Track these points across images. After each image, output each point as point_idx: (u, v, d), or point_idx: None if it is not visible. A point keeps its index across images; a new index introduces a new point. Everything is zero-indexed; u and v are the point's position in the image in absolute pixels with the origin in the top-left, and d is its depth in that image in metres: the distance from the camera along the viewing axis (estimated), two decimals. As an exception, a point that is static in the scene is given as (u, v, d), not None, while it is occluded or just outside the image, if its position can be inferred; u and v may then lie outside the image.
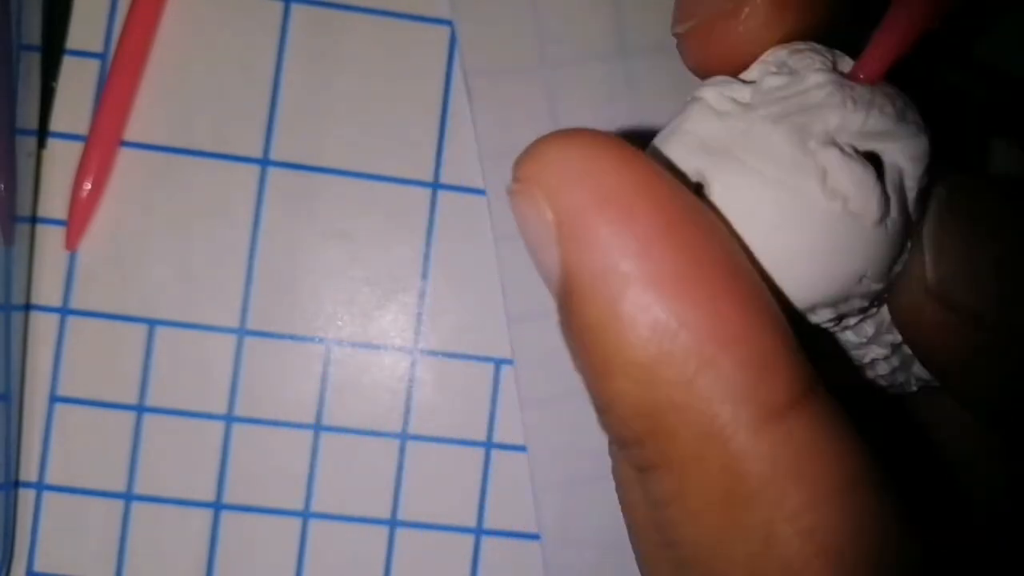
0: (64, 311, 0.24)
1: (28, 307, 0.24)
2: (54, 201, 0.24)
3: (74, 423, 0.24)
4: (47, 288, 0.24)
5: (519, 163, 0.12)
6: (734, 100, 0.13)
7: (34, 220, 0.24)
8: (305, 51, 0.24)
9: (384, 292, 0.24)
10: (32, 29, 0.23)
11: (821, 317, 0.13)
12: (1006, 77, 0.23)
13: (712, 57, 0.14)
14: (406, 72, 0.25)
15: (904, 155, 0.13)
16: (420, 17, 0.25)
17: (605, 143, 0.12)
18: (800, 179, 0.12)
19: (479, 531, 0.24)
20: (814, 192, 0.12)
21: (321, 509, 0.24)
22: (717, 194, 0.13)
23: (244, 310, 0.24)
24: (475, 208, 0.24)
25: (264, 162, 0.24)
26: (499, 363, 0.24)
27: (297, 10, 0.24)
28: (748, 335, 0.11)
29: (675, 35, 0.15)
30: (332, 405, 0.24)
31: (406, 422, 0.24)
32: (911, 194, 0.13)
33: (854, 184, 0.12)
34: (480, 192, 0.24)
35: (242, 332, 0.24)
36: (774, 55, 0.14)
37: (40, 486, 0.24)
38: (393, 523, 0.24)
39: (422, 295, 0.24)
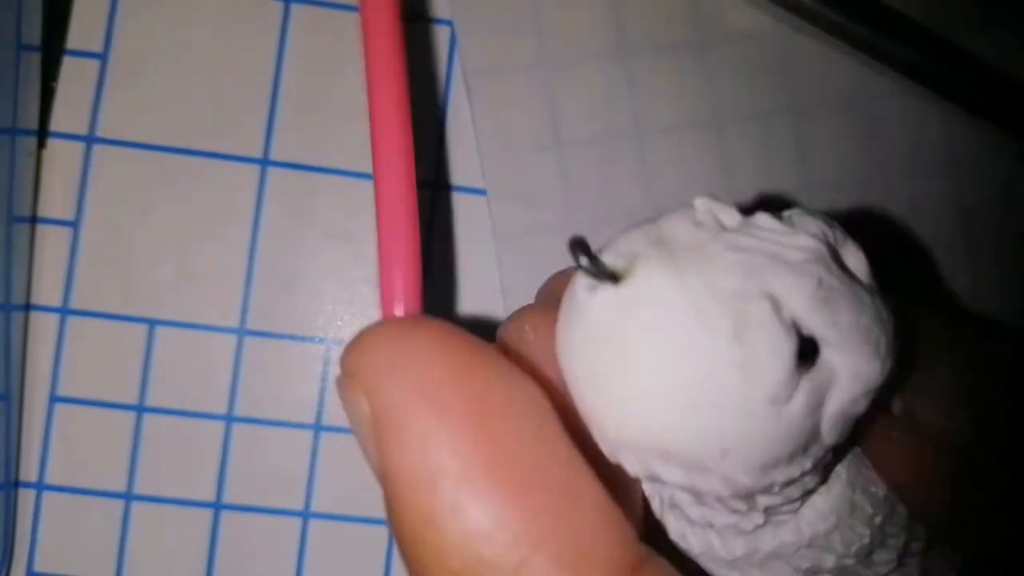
0: (64, 311, 0.24)
1: (28, 307, 0.24)
2: (54, 201, 0.24)
3: (74, 423, 0.24)
4: (47, 288, 0.24)
5: (344, 353, 0.12)
6: (718, 219, 0.12)
7: (34, 220, 0.24)
8: (305, 51, 0.24)
9: (384, 292, 0.24)
10: (32, 29, 0.23)
11: (665, 475, 0.12)
12: (1007, 79, 0.23)
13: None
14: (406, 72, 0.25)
15: (847, 368, 0.11)
16: (420, 17, 0.25)
17: (423, 331, 0.12)
18: (717, 311, 0.11)
19: (479, 531, 0.24)
20: (721, 330, 0.11)
21: (321, 509, 0.24)
22: (632, 282, 0.11)
23: (244, 310, 0.24)
24: (475, 208, 0.24)
25: (264, 162, 0.24)
26: (499, 363, 0.24)
27: (297, 10, 0.24)
28: (562, 528, 0.11)
29: None
30: (332, 405, 0.24)
31: (406, 422, 0.24)
32: (832, 409, 0.12)
33: (765, 346, 0.11)
34: (480, 192, 0.24)
35: (242, 332, 0.24)
36: (789, 212, 0.13)
37: (40, 486, 0.24)
38: (393, 523, 0.24)
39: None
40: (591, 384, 0.12)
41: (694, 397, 0.11)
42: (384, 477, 0.11)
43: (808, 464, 0.12)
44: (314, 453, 0.24)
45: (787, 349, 0.11)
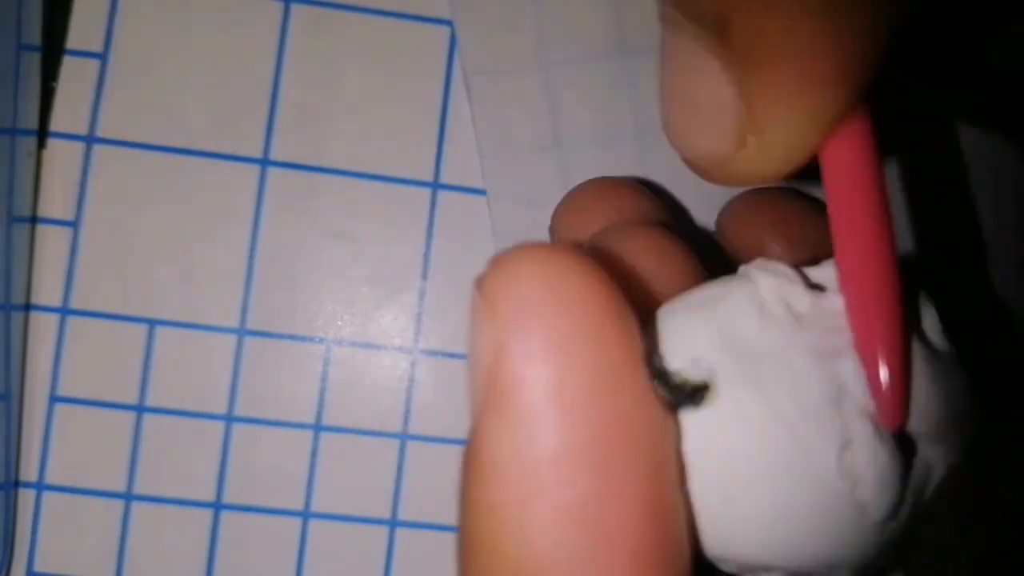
0: (64, 311, 0.24)
1: (28, 307, 0.24)
2: (54, 201, 0.24)
3: (74, 423, 0.24)
4: (47, 288, 0.24)
5: (493, 268, 0.11)
6: (788, 305, 0.11)
7: (34, 220, 0.24)
8: (305, 51, 0.24)
9: (384, 292, 0.24)
10: (32, 29, 0.23)
11: None
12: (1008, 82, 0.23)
13: (742, 180, 0.12)
14: (406, 72, 0.25)
15: (943, 458, 0.11)
16: (420, 17, 0.25)
17: (604, 301, 0.10)
18: (817, 438, 0.10)
19: (479, 531, 0.24)
20: (826, 459, 0.10)
21: (321, 509, 0.24)
22: (718, 405, 0.11)
23: (244, 310, 0.24)
24: (475, 208, 0.24)
25: (264, 162, 0.24)
26: (499, 363, 0.24)
27: (297, 10, 0.24)
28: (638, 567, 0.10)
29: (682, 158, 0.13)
30: (332, 405, 0.24)
31: (406, 422, 0.24)
32: (926, 497, 0.11)
33: (874, 473, 0.10)
34: (480, 192, 0.24)
35: (242, 332, 0.24)
36: None
37: (40, 486, 0.24)
38: (393, 523, 0.24)
39: (422, 295, 0.24)
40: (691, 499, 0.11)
41: (798, 525, 0.10)
42: (476, 430, 0.11)
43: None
44: (314, 453, 0.24)
45: (896, 472, 0.10)
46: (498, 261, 0.11)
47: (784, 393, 0.10)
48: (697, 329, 0.11)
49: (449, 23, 0.25)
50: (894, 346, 0.10)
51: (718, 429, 0.11)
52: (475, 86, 0.24)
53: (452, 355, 0.24)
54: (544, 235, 0.24)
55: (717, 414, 0.11)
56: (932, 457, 0.11)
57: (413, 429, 0.24)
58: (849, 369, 0.11)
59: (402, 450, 0.24)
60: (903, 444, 0.11)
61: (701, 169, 0.12)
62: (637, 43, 0.24)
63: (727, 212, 0.21)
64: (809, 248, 0.18)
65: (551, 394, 0.10)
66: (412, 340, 0.24)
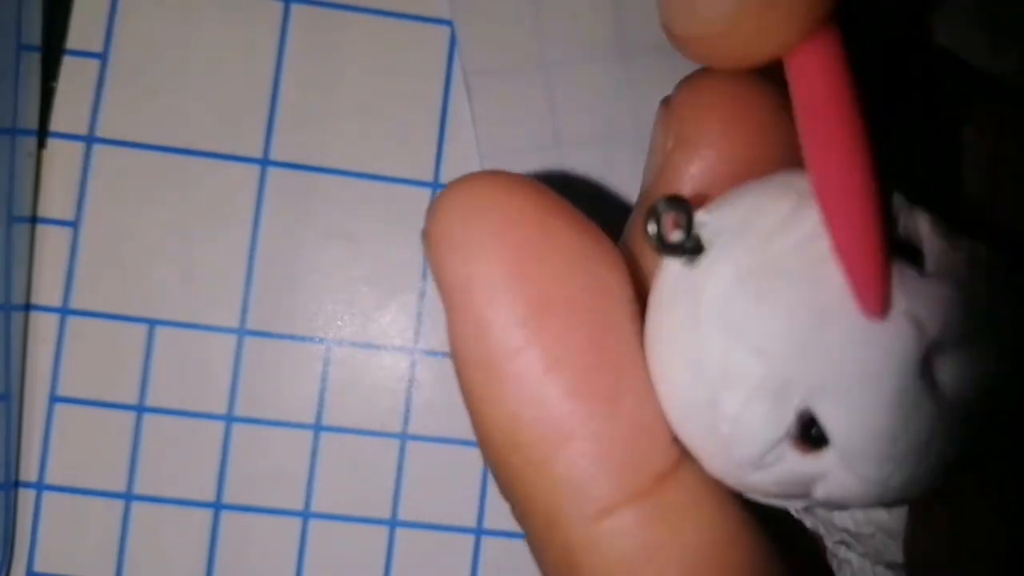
0: (64, 311, 0.24)
1: (28, 307, 0.24)
2: (54, 201, 0.24)
3: (74, 423, 0.24)
4: (47, 288, 0.24)
5: (427, 212, 0.12)
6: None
7: (34, 220, 0.24)
8: (305, 51, 0.24)
9: (384, 292, 0.24)
10: (32, 29, 0.23)
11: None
12: (1005, 84, 0.23)
13: (724, 61, 0.12)
14: (406, 72, 0.25)
15: (838, 479, 0.11)
16: (420, 17, 0.25)
17: (502, 198, 0.12)
18: (743, 351, 0.10)
19: (479, 531, 0.24)
20: (721, 374, 0.10)
21: (321, 509, 0.24)
22: (698, 263, 0.11)
23: (244, 310, 0.24)
24: (475, 208, 0.24)
25: (264, 162, 0.24)
26: (499, 363, 0.24)
27: (297, 10, 0.24)
28: (602, 420, 0.11)
29: (670, 35, 0.12)
30: (332, 405, 0.24)
31: (406, 422, 0.24)
32: (817, 495, 0.11)
33: (745, 414, 0.10)
34: (480, 192, 0.24)
35: (242, 332, 0.24)
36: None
37: (40, 486, 0.24)
38: (393, 523, 0.24)
39: (422, 295, 0.24)
40: (646, 336, 0.12)
41: (685, 416, 0.11)
42: (451, 344, 0.12)
43: (799, 505, 0.12)
44: (314, 453, 0.24)
45: (766, 434, 0.10)
46: (430, 206, 0.12)
47: (753, 290, 0.10)
48: (737, 207, 0.11)
49: (449, 23, 0.25)
50: (871, 242, 0.10)
51: (685, 285, 0.11)
52: (475, 86, 0.24)
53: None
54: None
55: (692, 271, 0.11)
56: (835, 474, 0.11)
57: (413, 429, 0.24)
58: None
59: (402, 450, 0.24)
60: (813, 436, 0.10)
61: (694, 39, 0.11)
62: (637, 43, 0.24)
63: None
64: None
65: (486, 282, 0.11)
66: (412, 340, 0.24)
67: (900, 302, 0.10)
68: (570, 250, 0.12)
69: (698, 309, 0.11)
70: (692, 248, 0.11)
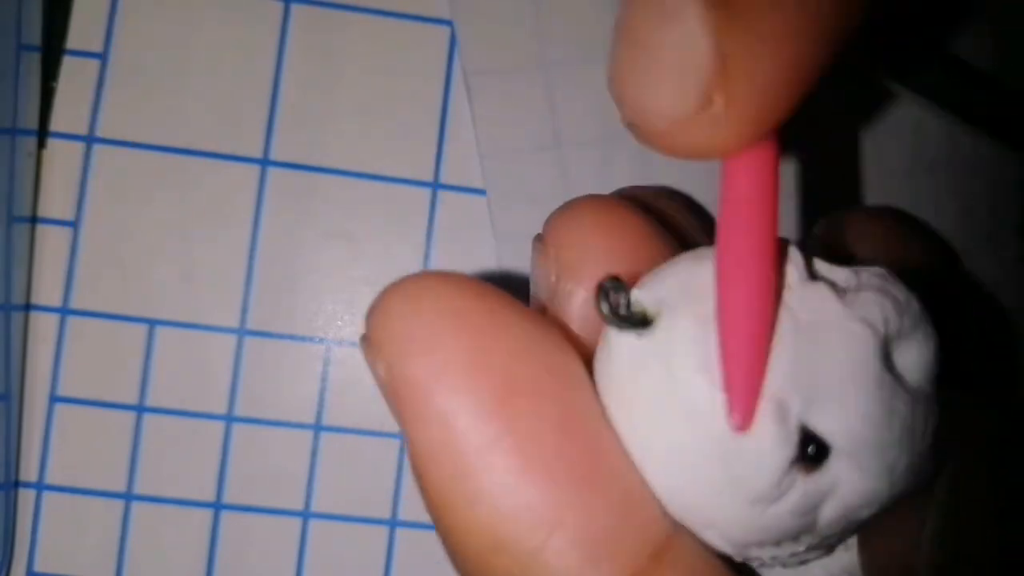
0: (64, 311, 0.24)
1: (28, 307, 0.24)
2: (54, 201, 0.24)
3: (74, 423, 0.24)
4: (47, 288, 0.24)
5: (366, 315, 0.12)
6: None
7: (34, 220, 0.24)
8: (305, 51, 0.24)
9: (384, 292, 0.24)
10: (32, 29, 0.23)
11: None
12: (1003, 87, 0.23)
13: (675, 154, 0.12)
14: (406, 72, 0.25)
15: (850, 483, 0.11)
16: (420, 17, 0.25)
17: (443, 293, 0.11)
18: (720, 399, 0.10)
19: (479, 531, 0.24)
20: (719, 421, 0.10)
21: (321, 509, 0.24)
22: (652, 333, 0.11)
23: (244, 310, 0.24)
24: (475, 208, 0.24)
25: (264, 162, 0.24)
26: (499, 363, 0.24)
27: (297, 10, 0.24)
28: (583, 511, 0.11)
29: (621, 113, 0.12)
30: (332, 405, 0.24)
31: (406, 422, 0.24)
32: (829, 515, 0.11)
33: (757, 448, 0.10)
34: (480, 192, 0.24)
35: (242, 332, 0.24)
36: (868, 273, 0.12)
37: (40, 486, 0.24)
38: (393, 523, 0.24)
39: (422, 295, 0.24)
40: (613, 415, 0.11)
41: (683, 473, 0.11)
42: (407, 447, 0.11)
43: (800, 548, 0.12)
44: (314, 453, 0.24)
45: (779, 458, 0.10)
46: (369, 308, 0.12)
47: (707, 346, 0.11)
48: (672, 277, 0.12)
49: (449, 23, 0.25)
50: (746, 359, 0.10)
51: (645, 356, 0.11)
52: (475, 86, 0.24)
53: (452, 355, 0.24)
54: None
55: (647, 342, 0.11)
56: (842, 474, 0.11)
57: (413, 429, 0.24)
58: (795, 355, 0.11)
59: (402, 450, 0.24)
60: (807, 444, 0.11)
61: (649, 132, 0.11)
62: (637, 43, 0.24)
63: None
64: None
65: (440, 376, 0.11)
66: (412, 340, 0.24)
67: (852, 309, 0.11)
68: (523, 335, 0.11)
69: (674, 365, 0.11)
70: (642, 320, 0.11)
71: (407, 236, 0.24)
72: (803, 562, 0.12)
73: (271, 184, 0.24)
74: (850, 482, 0.11)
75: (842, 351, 0.11)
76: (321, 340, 0.24)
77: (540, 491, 0.10)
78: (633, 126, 0.11)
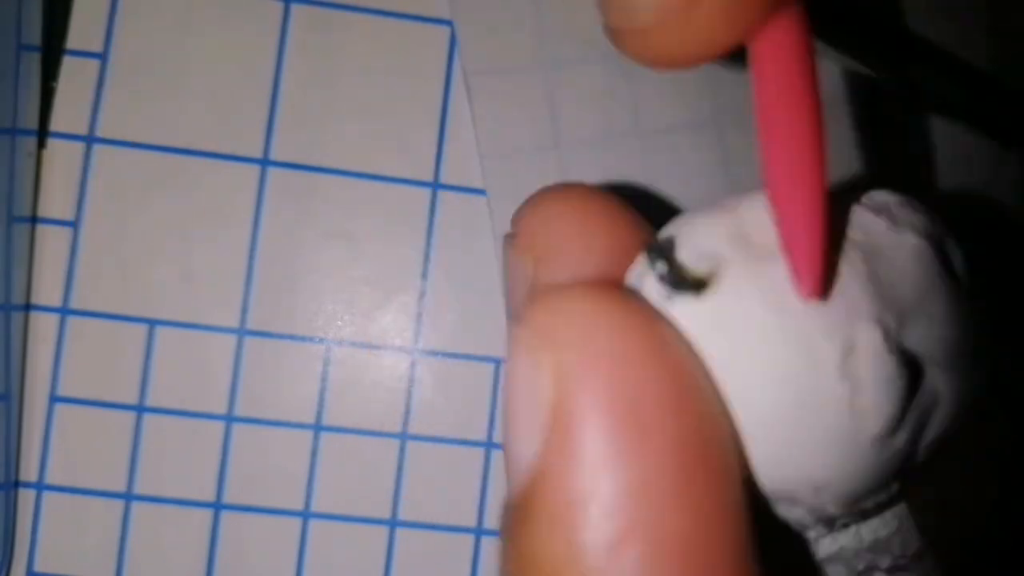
0: (64, 311, 0.24)
1: (28, 307, 0.24)
2: (54, 201, 0.24)
3: (74, 423, 0.24)
4: (47, 288, 0.24)
5: (533, 304, 0.10)
6: None
7: (34, 220, 0.24)
8: (305, 51, 0.24)
9: (384, 292, 0.24)
10: (32, 29, 0.23)
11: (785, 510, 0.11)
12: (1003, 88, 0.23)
13: (659, 58, 0.11)
14: (406, 72, 0.25)
15: (951, 390, 0.10)
16: (420, 17, 0.25)
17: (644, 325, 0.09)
18: (820, 336, 0.10)
19: (479, 531, 0.24)
20: (827, 361, 0.10)
21: (321, 509, 0.24)
22: (720, 298, 0.10)
23: (244, 310, 0.24)
24: (475, 208, 0.24)
25: (264, 162, 0.24)
26: (499, 363, 0.24)
27: (297, 10, 0.24)
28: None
29: (607, 31, 0.11)
30: (332, 405, 0.24)
31: (406, 422, 0.24)
32: (933, 434, 0.11)
33: (876, 380, 0.10)
34: (480, 192, 0.24)
35: (242, 332, 0.24)
36: (889, 199, 0.11)
37: (40, 486, 0.24)
38: (393, 523, 0.24)
39: (422, 295, 0.24)
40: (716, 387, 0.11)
41: (790, 434, 0.10)
42: (524, 471, 0.09)
43: (898, 486, 0.11)
44: (314, 453, 0.24)
45: (899, 385, 0.10)
46: (548, 298, 0.10)
47: (788, 290, 0.10)
48: (714, 227, 0.11)
49: (449, 23, 0.25)
50: (810, 212, 0.10)
51: (717, 320, 0.10)
52: (475, 86, 0.24)
53: (452, 355, 0.24)
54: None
55: (716, 304, 0.10)
56: (940, 386, 0.10)
57: (413, 429, 0.24)
58: (870, 280, 0.10)
59: (402, 450, 0.24)
60: (911, 365, 0.10)
61: (635, 32, 0.10)
62: (637, 43, 0.24)
63: None
64: None
65: (624, 430, 0.09)
66: (412, 340, 0.24)
67: (901, 224, 0.11)
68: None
69: (773, 316, 0.10)
70: (700, 282, 0.10)
71: (407, 236, 0.24)
72: (864, 517, 0.12)
73: (271, 184, 0.24)
74: (950, 392, 0.10)
75: (911, 264, 0.10)
76: (321, 340, 0.24)
77: None
78: (617, 32, 0.10)
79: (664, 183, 0.24)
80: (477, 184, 0.24)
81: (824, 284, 0.10)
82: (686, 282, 0.10)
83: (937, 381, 0.10)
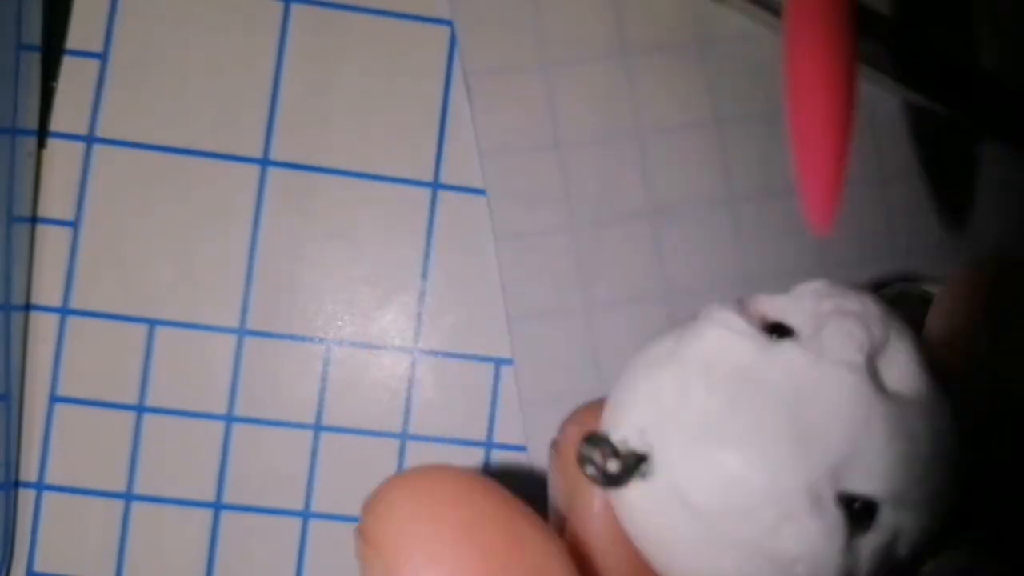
0: (64, 311, 0.24)
1: (28, 307, 0.24)
2: (54, 201, 0.24)
3: (74, 423, 0.24)
4: (47, 288, 0.24)
5: (363, 512, 0.11)
6: (734, 363, 0.11)
7: (34, 220, 0.24)
8: (305, 51, 0.24)
9: (384, 292, 0.24)
10: (32, 29, 0.23)
11: None
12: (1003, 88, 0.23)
13: None
14: (406, 72, 0.25)
15: (910, 521, 0.10)
16: (420, 17, 0.25)
17: (448, 502, 0.11)
18: (757, 503, 0.10)
19: (479, 531, 0.24)
20: (762, 525, 0.10)
21: (321, 509, 0.24)
22: (657, 478, 0.10)
23: (244, 310, 0.24)
24: (475, 208, 0.24)
25: (264, 162, 0.24)
26: (499, 363, 0.24)
27: (297, 10, 0.24)
28: None
29: None
30: (332, 405, 0.24)
31: (406, 422, 0.24)
32: (900, 555, 0.11)
33: (807, 551, 0.10)
34: (480, 192, 0.24)
35: (242, 332, 0.24)
36: (815, 291, 0.11)
37: (40, 486, 0.24)
38: (393, 523, 0.24)
39: (422, 295, 0.24)
40: (653, 558, 0.11)
41: None
42: None
43: None
44: (314, 453, 0.24)
45: (833, 545, 0.10)
46: (366, 506, 0.11)
47: (722, 459, 0.10)
48: (638, 405, 0.11)
49: (449, 23, 0.25)
50: (830, 138, 0.10)
51: (661, 500, 0.10)
52: (475, 86, 0.24)
53: (452, 355, 0.24)
54: (544, 235, 0.24)
55: (657, 486, 0.10)
56: (901, 522, 0.10)
57: (413, 429, 0.24)
58: (802, 437, 0.10)
59: (402, 450, 0.24)
60: (860, 511, 0.10)
61: None
62: (637, 43, 0.24)
63: None
64: None
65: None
66: (412, 340, 0.24)
67: (826, 356, 0.10)
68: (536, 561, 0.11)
69: (693, 494, 0.10)
70: (638, 461, 0.11)
71: (407, 236, 0.24)
72: None
73: (271, 184, 0.24)
74: (909, 521, 0.10)
75: (839, 406, 0.10)
76: (321, 340, 0.24)
77: None
78: None
79: (664, 183, 0.24)
80: (477, 184, 0.24)
81: (834, 218, 0.10)
82: (630, 466, 0.11)
83: (895, 517, 0.10)
